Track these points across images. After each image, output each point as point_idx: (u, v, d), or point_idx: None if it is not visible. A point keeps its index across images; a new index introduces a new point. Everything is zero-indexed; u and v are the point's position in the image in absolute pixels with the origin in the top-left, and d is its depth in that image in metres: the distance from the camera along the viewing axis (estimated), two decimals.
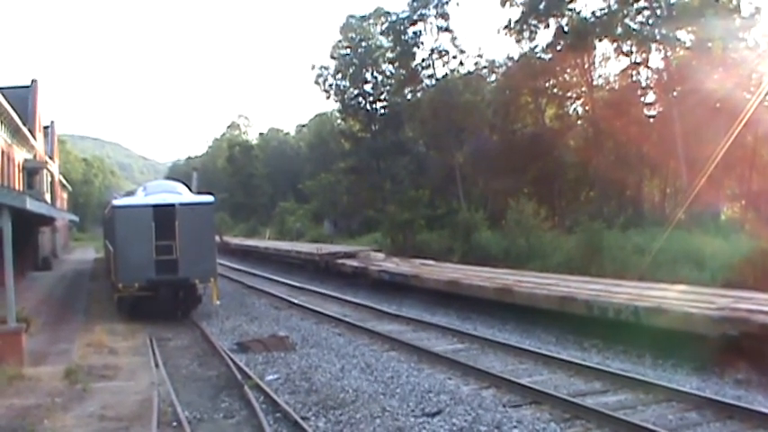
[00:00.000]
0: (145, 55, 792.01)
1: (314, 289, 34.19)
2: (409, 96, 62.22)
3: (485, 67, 56.81)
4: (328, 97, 75.50)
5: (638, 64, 45.37)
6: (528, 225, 37.33)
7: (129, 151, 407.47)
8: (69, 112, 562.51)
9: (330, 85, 74.26)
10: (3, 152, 38.08)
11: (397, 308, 27.17)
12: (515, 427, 12.14)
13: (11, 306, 16.69)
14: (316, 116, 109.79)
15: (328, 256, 39.42)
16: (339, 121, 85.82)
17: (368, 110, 71.35)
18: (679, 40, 41.70)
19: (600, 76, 50.09)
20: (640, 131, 45.32)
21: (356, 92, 71.73)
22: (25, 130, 42.75)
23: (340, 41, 73.02)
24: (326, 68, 74.19)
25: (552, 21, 46.89)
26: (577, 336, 19.81)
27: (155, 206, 24.97)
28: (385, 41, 66.66)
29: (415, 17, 56.82)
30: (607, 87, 50.16)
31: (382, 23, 64.87)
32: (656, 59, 44.59)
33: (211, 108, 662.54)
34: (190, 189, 30.66)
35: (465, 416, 12.80)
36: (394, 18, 59.70)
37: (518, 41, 49.61)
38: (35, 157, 51.40)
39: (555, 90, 51.66)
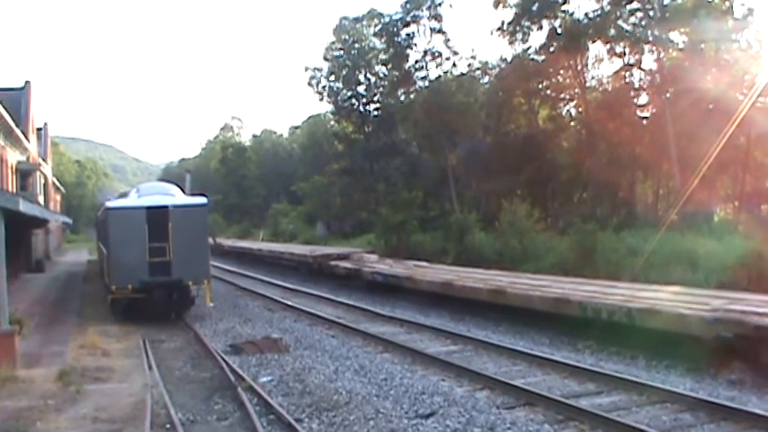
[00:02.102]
0: (138, 57, 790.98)
1: (307, 291, 34.17)
2: (402, 98, 62.27)
3: (478, 69, 56.97)
4: (321, 99, 75.87)
5: (631, 65, 45.47)
6: (521, 226, 37.35)
7: (122, 153, 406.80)
8: (62, 114, 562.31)
9: (323, 87, 74.51)
10: None
11: (391, 309, 27.16)
12: (509, 428, 12.13)
13: (4, 308, 16.64)
14: (309, 118, 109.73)
15: (322, 258, 39.42)
16: (332, 122, 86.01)
17: (361, 111, 71.50)
18: (672, 41, 41.81)
19: (593, 77, 50.35)
20: (633, 133, 45.40)
21: (349, 93, 71.91)
22: (18, 131, 42.60)
23: (333, 43, 73.22)
24: (320, 70, 74.44)
25: (545, 22, 46.95)
26: (571, 337, 19.83)
27: (148, 208, 24.93)
28: (378, 43, 66.88)
29: (408, 19, 56.90)
30: (600, 89, 50.26)
31: (375, 25, 65.05)
32: (648, 61, 44.75)
33: (204, 110, 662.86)
34: (183, 191, 30.60)
35: (459, 417, 12.80)
36: (387, 20, 59.89)
37: (511, 43, 49.69)
38: (28, 159, 51.26)
39: (548, 91, 51.76)
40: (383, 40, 61.70)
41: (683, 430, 11.97)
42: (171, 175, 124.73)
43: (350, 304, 28.88)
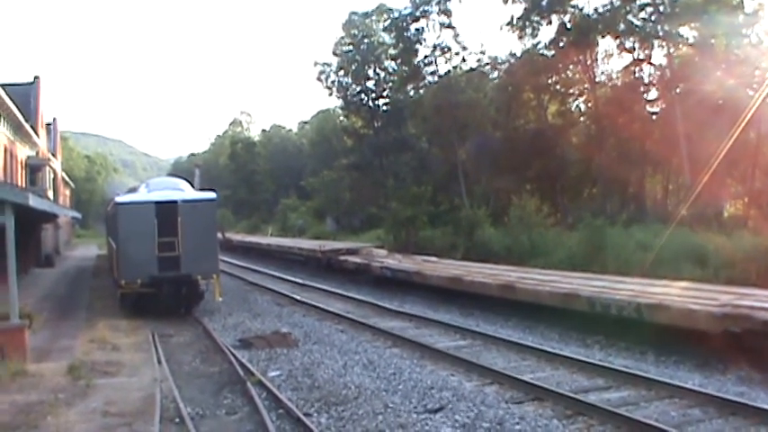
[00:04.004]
0: (148, 52, 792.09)
1: (316, 286, 34.17)
2: (412, 93, 62.26)
3: (487, 64, 56.82)
4: (331, 94, 75.54)
5: (641, 61, 45.37)
6: (530, 222, 37.32)
7: (131, 148, 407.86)
8: (72, 109, 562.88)
9: (332, 82, 74.26)
10: (5, 149, 38.10)
11: (400, 304, 27.17)
12: (518, 423, 12.13)
13: (14, 302, 16.71)
14: (318, 113, 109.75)
15: (331, 253, 39.40)
16: (341, 117, 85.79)
17: (370, 106, 71.35)
18: (682, 36, 41.70)
19: (602, 72, 50.17)
20: (643, 128, 45.32)
21: (358, 88, 71.72)
22: (28, 126, 42.77)
23: (342, 38, 73.00)
24: (329, 65, 74.22)
25: (555, 17, 46.91)
26: (580, 332, 19.81)
27: (157, 203, 24.99)
28: (387, 38, 66.65)
29: (417, 14, 56.73)
30: (609, 84, 50.15)
31: (385, 20, 64.95)
32: (658, 56, 44.70)
33: (214, 105, 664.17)
34: (192, 186, 30.65)
35: (467, 412, 12.81)
36: (396, 15, 59.79)
37: (520, 38, 49.64)
38: (38, 153, 51.46)
39: (557, 87, 51.67)
40: (392, 36, 61.52)
41: (691, 426, 11.94)
42: (180, 170, 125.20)
43: (359, 299, 28.91)
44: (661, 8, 40.97)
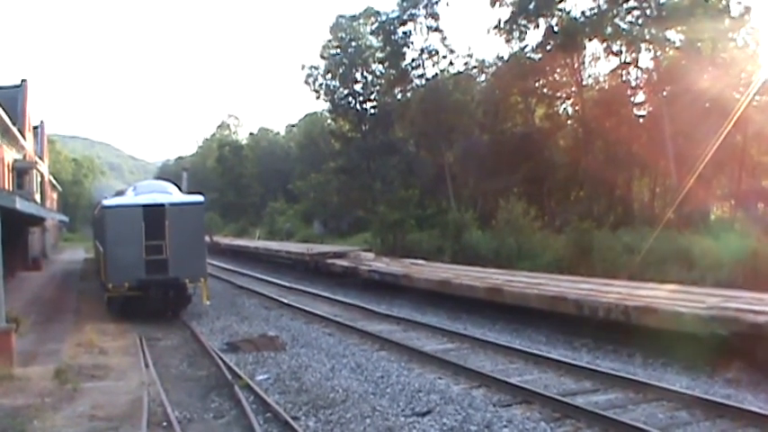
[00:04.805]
0: (135, 55, 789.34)
1: (304, 289, 34.16)
2: (399, 96, 62.21)
3: (474, 67, 56.84)
4: (318, 97, 75.37)
5: (628, 64, 45.39)
6: (518, 225, 37.36)
7: (119, 151, 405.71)
8: (59, 112, 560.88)
9: (320, 85, 74.15)
10: None
11: (388, 308, 27.18)
12: (505, 426, 12.14)
13: (0, 306, 16.62)
14: (306, 116, 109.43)
15: (318, 256, 39.39)
16: (329, 121, 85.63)
17: (358, 110, 71.26)
18: (669, 40, 41.74)
19: (589, 75, 50.17)
20: (630, 131, 45.39)
21: (346, 92, 71.63)
22: (15, 129, 42.54)
23: (330, 41, 72.91)
24: (316, 68, 74.09)
25: (542, 21, 46.86)
26: (567, 335, 19.86)
27: (144, 206, 24.94)
28: (375, 41, 66.66)
29: (404, 17, 56.81)
30: (597, 87, 50.20)
31: (372, 23, 64.79)
32: (645, 59, 44.67)
33: (201, 108, 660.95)
34: (180, 189, 30.59)
35: (455, 415, 12.81)
36: (384, 18, 59.68)
37: (508, 41, 49.57)
38: (25, 157, 51.20)
39: (545, 90, 51.62)
40: (380, 39, 61.53)
41: (679, 428, 11.98)
42: (168, 174, 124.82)
43: (346, 302, 28.89)
44: (648, 12, 41.01)
